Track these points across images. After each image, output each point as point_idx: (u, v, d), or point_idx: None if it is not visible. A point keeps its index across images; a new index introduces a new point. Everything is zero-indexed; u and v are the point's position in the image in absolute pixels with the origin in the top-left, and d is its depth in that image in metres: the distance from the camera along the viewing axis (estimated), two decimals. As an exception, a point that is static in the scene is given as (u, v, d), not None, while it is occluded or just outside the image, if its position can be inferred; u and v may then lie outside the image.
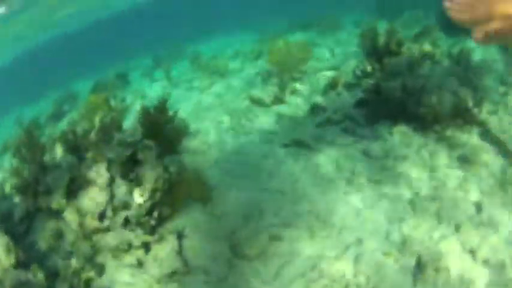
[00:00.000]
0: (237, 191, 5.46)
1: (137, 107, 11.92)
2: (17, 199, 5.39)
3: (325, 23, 15.13)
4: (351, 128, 6.48)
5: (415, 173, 5.50)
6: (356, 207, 4.99)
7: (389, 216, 4.84)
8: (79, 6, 20.99)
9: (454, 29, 10.82)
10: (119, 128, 6.72)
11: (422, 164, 5.65)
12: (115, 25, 40.57)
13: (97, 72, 21.49)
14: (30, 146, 5.46)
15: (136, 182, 5.00)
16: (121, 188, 5.00)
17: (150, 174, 4.96)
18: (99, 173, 5.07)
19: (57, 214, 4.98)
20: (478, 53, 8.63)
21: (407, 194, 5.17)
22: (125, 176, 5.11)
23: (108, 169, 5.11)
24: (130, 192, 4.95)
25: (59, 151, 5.94)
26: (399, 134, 6.25)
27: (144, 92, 13.58)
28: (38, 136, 5.86)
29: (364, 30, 7.70)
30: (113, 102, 11.06)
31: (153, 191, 4.90)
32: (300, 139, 6.32)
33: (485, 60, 8.44)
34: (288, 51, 8.39)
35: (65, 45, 38.96)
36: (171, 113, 6.09)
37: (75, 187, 5.10)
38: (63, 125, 13.25)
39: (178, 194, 5.18)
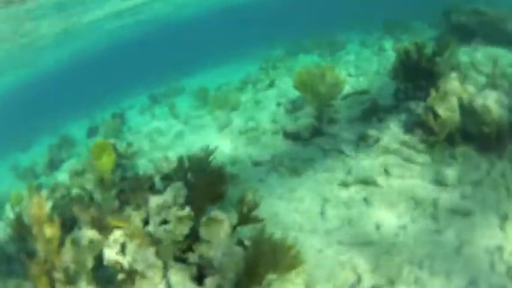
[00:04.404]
0: (335, 252, 4.86)
1: (147, 150, 11.37)
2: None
3: (324, 45, 15.00)
4: (411, 156, 6.19)
5: (495, 195, 5.22)
6: (453, 245, 4.65)
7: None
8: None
9: (465, 37, 10.85)
10: (151, 188, 5.49)
11: (496, 186, 5.37)
12: (100, 59, 38.83)
13: (87, 112, 20.61)
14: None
15: (198, 266, 4.14)
16: (177, 275, 4.13)
17: (222, 260, 4.05)
18: (148, 263, 4.14)
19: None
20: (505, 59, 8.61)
21: (496, 221, 4.88)
22: (181, 258, 4.24)
23: (158, 253, 4.24)
24: (195, 279, 4.09)
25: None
26: (463, 157, 5.99)
27: (149, 133, 12.73)
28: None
29: (400, 47, 7.43)
30: (120, 148, 10.36)
31: (227, 279, 4.00)
32: (363, 177, 6.00)
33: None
34: (315, 77, 8.02)
35: (48, 83, 37.49)
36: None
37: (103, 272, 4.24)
38: (62, 175, 12.49)
39: (258, 270, 4.08)
